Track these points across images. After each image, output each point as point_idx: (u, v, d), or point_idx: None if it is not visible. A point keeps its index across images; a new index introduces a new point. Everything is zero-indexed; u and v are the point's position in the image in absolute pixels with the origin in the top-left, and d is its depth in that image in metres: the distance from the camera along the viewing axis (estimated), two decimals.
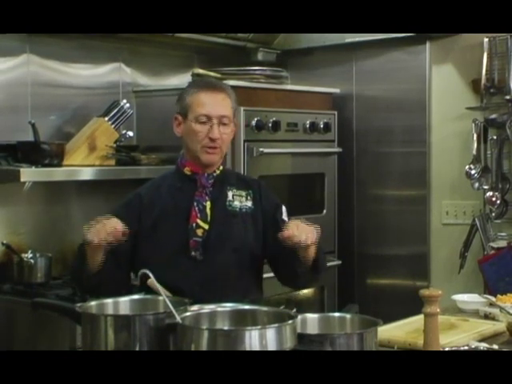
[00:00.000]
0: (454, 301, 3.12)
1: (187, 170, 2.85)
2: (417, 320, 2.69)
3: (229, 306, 2.18)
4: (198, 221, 2.78)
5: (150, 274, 2.22)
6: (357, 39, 4.36)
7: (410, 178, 4.41)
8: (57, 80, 3.87)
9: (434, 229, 4.35)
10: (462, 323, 2.82)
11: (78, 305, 2.15)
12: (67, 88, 3.91)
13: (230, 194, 2.87)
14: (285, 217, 2.91)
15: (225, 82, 3.88)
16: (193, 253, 2.76)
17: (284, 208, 2.94)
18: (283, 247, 2.65)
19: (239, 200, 2.87)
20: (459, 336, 2.61)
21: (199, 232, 2.77)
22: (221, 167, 2.90)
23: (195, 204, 2.80)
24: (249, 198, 2.89)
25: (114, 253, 2.63)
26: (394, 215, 4.45)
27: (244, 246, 2.84)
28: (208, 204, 2.81)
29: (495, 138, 4.07)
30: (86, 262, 2.63)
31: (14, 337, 3.40)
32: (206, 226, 2.78)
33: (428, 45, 4.29)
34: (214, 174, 2.86)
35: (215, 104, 2.78)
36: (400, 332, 2.66)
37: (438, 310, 2.27)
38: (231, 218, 2.84)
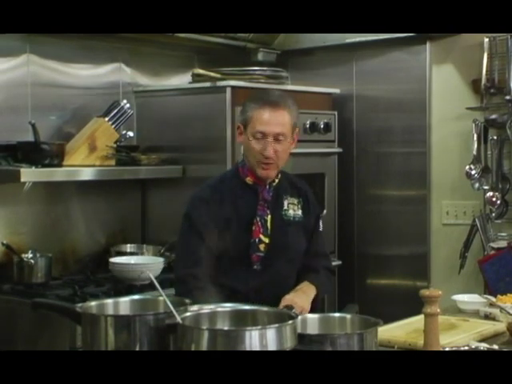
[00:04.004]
0: (454, 301, 3.12)
1: (249, 180, 2.89)
2: (417, 320, 2.69)
3: (229, 306, 2.18)
4: (261, 236, 2.83)
5: (151, 275, 2.22)
6: (357, 39, 4.35)
7: (410, 178, 4.41)
8: (57, 80, 3.87)
9: (434, 229, 4.35)
10: (462, 323, 2.82)
11: (79, 305, 2.15)
12: (67, 88, 3.91)
13: (285, 202, 2.92)
14: (321, 227, 3.04)
15: (225, 82, 3.91)
16: (255, 266, 2.83)
17: (321, 218, 3.06)
18: (306, 259, 2.95)
19: (293, 208, 2.94)
20: (459, 336, 2.61)
21: (262, 247, 2.83)
22: (279, 176, 2.93)
23: (258, 219, 2.84)
24: (299, 206, 2.95)
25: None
26: (394, 215, 4.45)
27: (297, 256, 2.93)
28: (269, 218, 2.86)
29: (495, 138, 4.07)
30: None
31: (14, 337, 3.39)
32: (267, 240, 2.84)
33: (428, 45, 4.29)
34: (274, 185, 2.91)
35: (272, 122, 2.80)
36: (400, 332, 2.66)
37: (439, 311, 2.27)
38: (287, 227, 2.90)
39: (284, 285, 2.85)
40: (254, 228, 2.83)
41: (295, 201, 2.95)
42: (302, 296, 2.78)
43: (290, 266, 2.90)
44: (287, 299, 2.72)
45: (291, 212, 2.92)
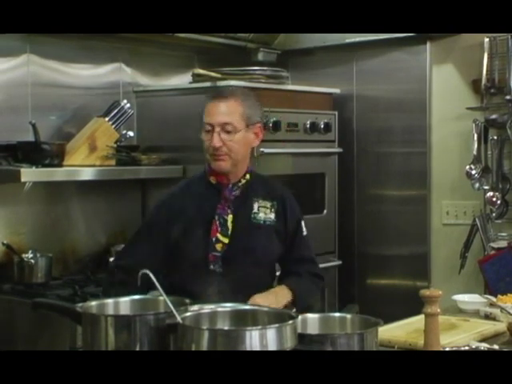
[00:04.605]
0: (455, 301, 3.12)
1: (213, 180, 2.85)
2: (417, 320, 2.69)
3: (229, 306, 2.17)
4: (218, 235, 2.78)
5: (151, 275, 2.21)
6: (357, 39, 4.35)
7: (410, 178, 4.41)
8: (57, 80, 3.87)
9: (435, 229, 4.34)
10: (462, 323, 2.82)
11: (79, 305, 2.15)
12: (67, 88, 3.91)
13: (255, 205, 2.85)
14: (304, 231, 2.95)
15: (225, 82, 3.90)
16: (211, 266, 2.76)
17: (303, 222, 2.96)
18: (288, 265, 2.91)
19: (264, 212, 2.86)
20: (460, 336, 2.61)
21: (218, 247, 2.77)
22: (247, 176, 2.87)
23: (216, 218, 2.79)
24: (273, 210, 2.87)
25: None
26: (394, 215, 4.45)
27: (266, 260, 2.87)
28: (230, 217, 2.80)
29: (496, 138, 4.07)
30: None
31: (14, 337, 3.40)
32: (226, 240, 2.78)
33: (428, 45, 4.29)
34: (239, 184, 2.85)
35: (218, 112, 2.78)
36: (400, 332, 2.66)
37: (439, 311, 2.27)
38: (255, 231, 2.83)
39: (250, 290, 2.70)
40: (212, 227, 2.78)
41: (268, 204, 2.86)
42: (269, 297, 2.68)
43: (256, 270, 2.81)
44: (253, 299, 2.63)
45: (261, 215, 2.84)
